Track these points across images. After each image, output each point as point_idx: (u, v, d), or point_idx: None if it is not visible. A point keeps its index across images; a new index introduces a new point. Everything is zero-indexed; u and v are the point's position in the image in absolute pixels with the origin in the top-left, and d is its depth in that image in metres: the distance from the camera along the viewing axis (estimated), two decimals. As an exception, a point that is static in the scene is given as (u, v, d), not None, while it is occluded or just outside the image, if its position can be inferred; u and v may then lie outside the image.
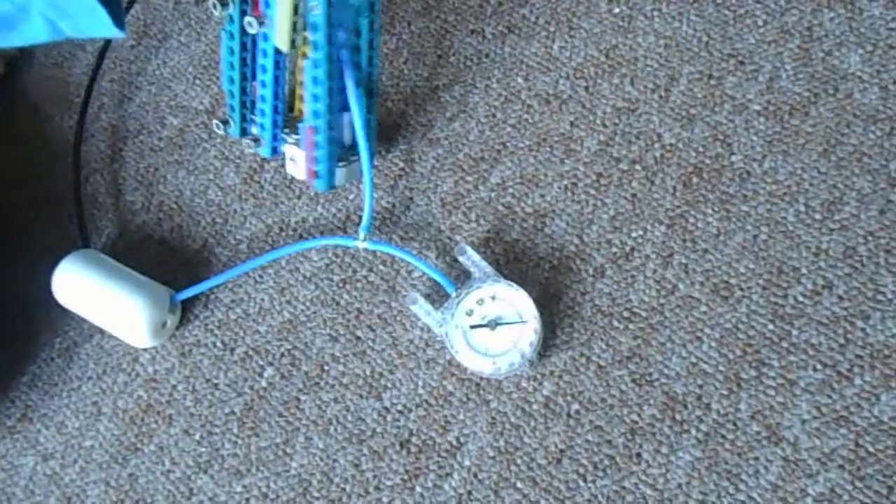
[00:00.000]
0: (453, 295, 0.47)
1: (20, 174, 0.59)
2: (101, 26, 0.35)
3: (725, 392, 0.44)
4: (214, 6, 0.44)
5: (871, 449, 0.41)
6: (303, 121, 0.47)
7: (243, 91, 0.48)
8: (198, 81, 0.59)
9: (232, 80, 0.48)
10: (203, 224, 0.55)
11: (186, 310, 0.52)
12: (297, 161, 0.49)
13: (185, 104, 0.58)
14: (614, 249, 0.48)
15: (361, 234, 0.49)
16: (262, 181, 0.55)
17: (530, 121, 0.52)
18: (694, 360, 0.45)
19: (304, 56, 0.45)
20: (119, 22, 0.36)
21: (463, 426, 0.46)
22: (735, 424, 0.43)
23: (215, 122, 0.49)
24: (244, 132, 0.50)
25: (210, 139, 0.57)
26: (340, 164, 0.49)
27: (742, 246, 0.46)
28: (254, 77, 0.48)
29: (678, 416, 0.44)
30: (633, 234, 0.48)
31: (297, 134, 0.48)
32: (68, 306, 0.51)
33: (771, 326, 0.44)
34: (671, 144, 0.49)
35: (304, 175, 0.49)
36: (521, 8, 0.55)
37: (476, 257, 0.48)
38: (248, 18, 0.43)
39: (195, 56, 0.59)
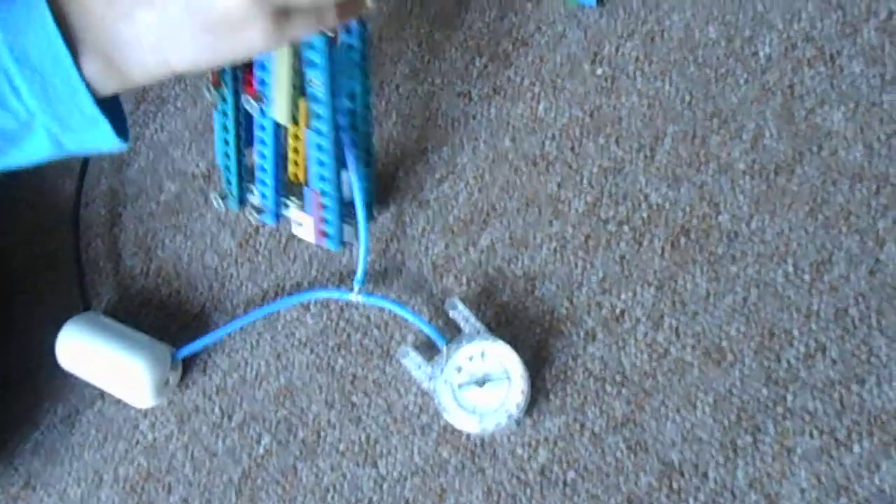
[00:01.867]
0: (443, 349, 0.43)
1: (24, 238, 0.55)
2: (103, 138, 0.32)
3: (722, 460, 0.39)
4: (208, 89, 0.40)
5: (872, 519, 0.37)
6: (303, 184, 0.44)
7: (239, 163, 0.44)
8: (194, 146, 0.54)
9: (228, 156, 0.45)
10: (200, 289, 0.50)
11: (185, 375, 0.48)
12: (305, 225, 0.46)
13: (182, 169, 0.54)
14: (604, 312, 0.43)
15: (356, 287, 0.45)
16: (257, 245, 0.50)
17: (518, 182, 0.48)
18: (689, 426, 0.40)
19: (297, 122, 0.41)
20: (122, 132, 0.32)
21: (459, 495, 0.42)
22: (733, 493, 0.38)
23: (214, 196, 0.45)
24: (242, 202, 0.46)
25: (206, 204, 0.52)
26: (346, 220, 0.46)
27: (732, 308, 0.42)
28: (248, 145, 0.44)
29: (675, 485, 0.39)
30: (623, 297, 0.43)
31: (296, 198, 0.45)
32: (72, 371, 0.48)
33: (765, 391, 0.40)
34: (658, 204, 0.45)
35: (313, 238, 0.46)
36: (506, 70, 0.50)
37: (466, 312, 0.44)
38: (245, 98, 0.40)
39: (191, 121, 0.55)
